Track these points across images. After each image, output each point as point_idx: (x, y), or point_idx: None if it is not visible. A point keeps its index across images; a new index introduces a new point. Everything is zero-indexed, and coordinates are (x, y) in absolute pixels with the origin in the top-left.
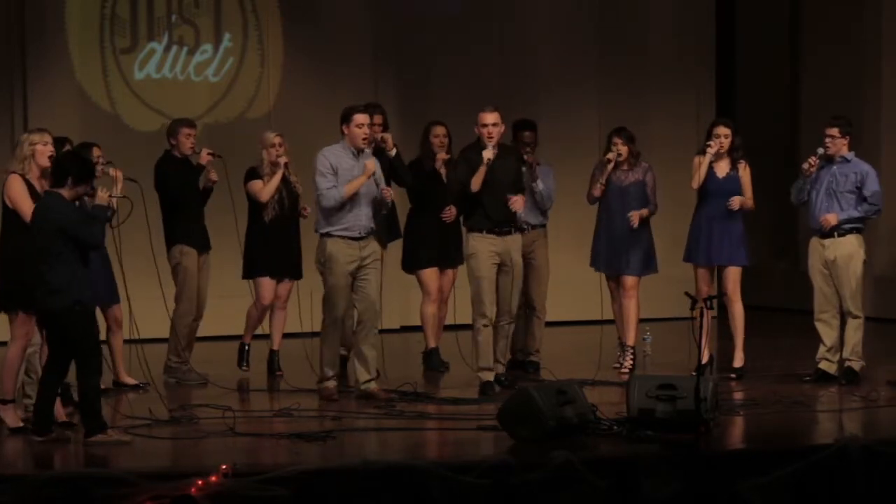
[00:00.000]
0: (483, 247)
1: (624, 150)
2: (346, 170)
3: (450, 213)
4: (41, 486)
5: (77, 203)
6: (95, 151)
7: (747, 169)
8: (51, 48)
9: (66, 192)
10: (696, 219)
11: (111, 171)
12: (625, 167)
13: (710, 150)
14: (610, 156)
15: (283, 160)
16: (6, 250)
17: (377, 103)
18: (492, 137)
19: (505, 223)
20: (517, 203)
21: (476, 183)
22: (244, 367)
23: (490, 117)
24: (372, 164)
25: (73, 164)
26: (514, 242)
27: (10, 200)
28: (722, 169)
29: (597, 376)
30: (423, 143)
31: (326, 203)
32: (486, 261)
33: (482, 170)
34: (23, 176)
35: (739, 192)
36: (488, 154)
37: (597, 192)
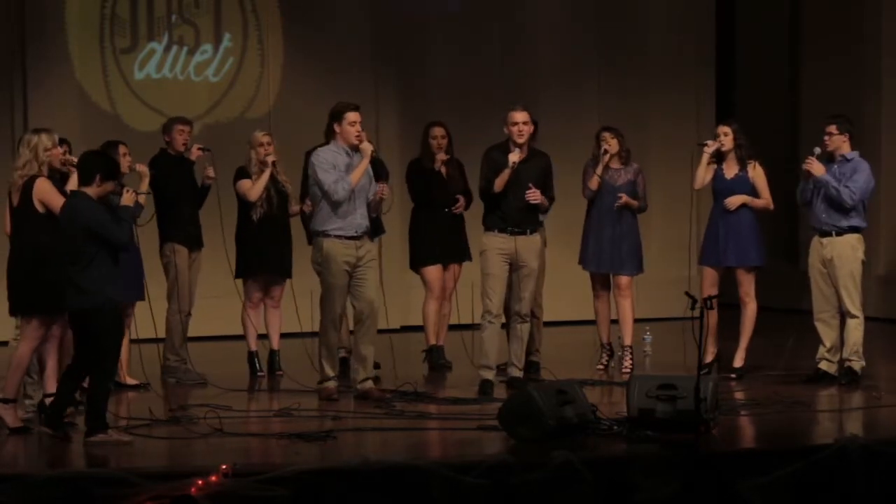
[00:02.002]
0: (493, 244)
1: (613, 143)
2: (342, 168)
3: (459, 205)
4: (41, 486)
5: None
6: (122, 149)
7: (759, 168)
8: (51, 48)
9: (92, 191)
10: (709, 220)
11: (137, 167)
12: (616, 165)
13: (707, 150)
14: (607, 147)
15: (270, 159)
16: (25, 253)
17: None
18: (522, 135)
19: (519, 224)
20: (533, 194)
21: (500, 184)
22: (260, 374)
23: (520, 116)
24: (368, 146)
25: (99, 163)
26: (527, 243)
27: (44, 202)
28: (730, 169)
29: (602, 376)
30: (424, 143)
31: (337, 196)
32: (495, 258)
33: (506, 172)
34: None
35: (748, 193)
36: (514, 157)
37: (594, 185)
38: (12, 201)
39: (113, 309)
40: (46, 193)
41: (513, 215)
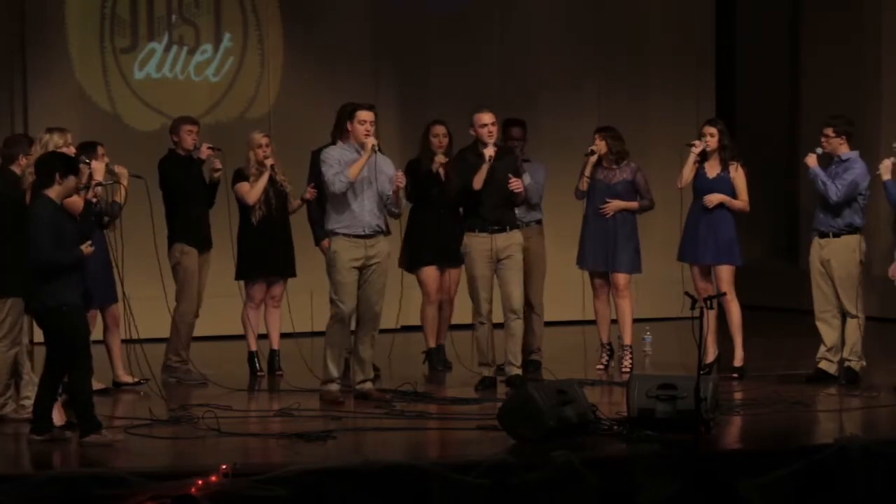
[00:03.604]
0: (475, 245)
1: (601, 144)
2: (349, 165)
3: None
4: (41, 486)
5: (64, 201)
6: (100, 150)
7: (740, 170)
8: (51, 48)
9: (55, 192)
10: (687, 218)
11: (116, 168)
12: (609, 165)
13: (695, 150)
14: (593, 147)
15: (269, 161)
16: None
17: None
18: (492, 136)
19: (497, 222)
20: (516, 183)
21: (478, 181)
22: (260, 374)
23: (487, 117)
24: (371, 140)
25: (55, 161)
26: (508, 239)
27: None
28: (713, 169)
29: (602, 376)
30: (423, 143)
31: (334, 188)
32: (478, 259)
33: (484, 168)
34: None
35: (729, 193)
36: (489, 152)
37: (582, 185)
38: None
39: (72, 310)
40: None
41: (490, 214)
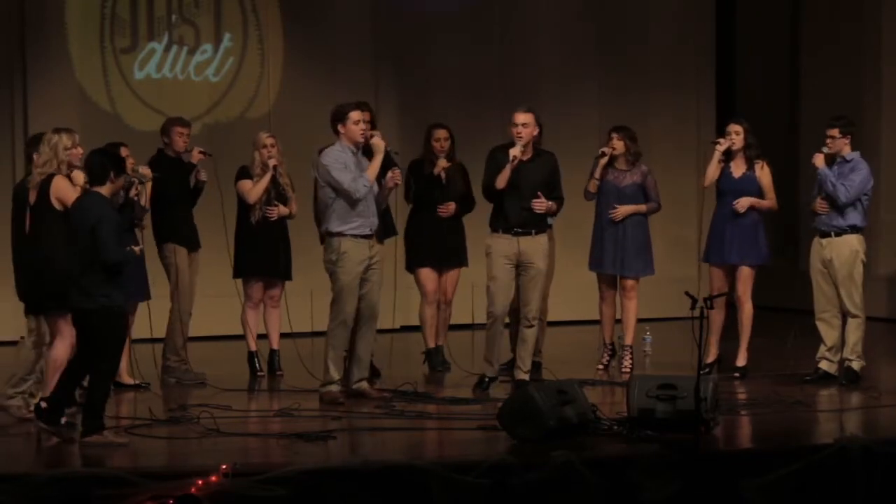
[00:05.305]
0: (497, 246)
1: (619, 144)
2: (351, 167)
3: (446, 209)
4: (41, 486)
5: (116, 197)
6: (124, 151)
7: (765, 168)
8: (51, 48)
9: (106, 190)
10: (714, 219)
11: (141, 169)
12: (622, 167)
13: (719, 148)
14: (605, 149)
15: (272, 162)
16: (42, 251)
17: (364, 101)
18: (521, 137)
19: (524, 224)
20: (539, 205)
21: (501, 181)
22: (260, 374)
23: (521, 117)
24: (381, 142)
25: (109, 160)
26: (532, 244)
27: (61, 200)
28: (738, 168)
29: (602, 376)
30: (426, 145)
31: (359, 194)
32: (499, 260)
33: (507, 168)
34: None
35: (756, 192)
36: (514, 152)
37: (592, 187)
38: (30, 199)
39: (116, 311)
40: (63, 191)
41: (517, 216)
